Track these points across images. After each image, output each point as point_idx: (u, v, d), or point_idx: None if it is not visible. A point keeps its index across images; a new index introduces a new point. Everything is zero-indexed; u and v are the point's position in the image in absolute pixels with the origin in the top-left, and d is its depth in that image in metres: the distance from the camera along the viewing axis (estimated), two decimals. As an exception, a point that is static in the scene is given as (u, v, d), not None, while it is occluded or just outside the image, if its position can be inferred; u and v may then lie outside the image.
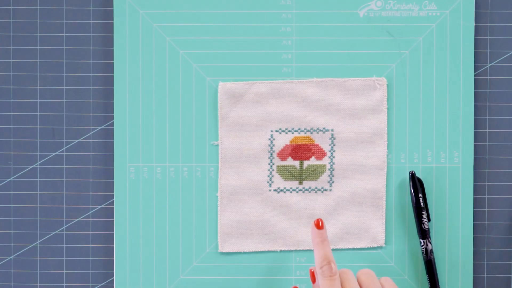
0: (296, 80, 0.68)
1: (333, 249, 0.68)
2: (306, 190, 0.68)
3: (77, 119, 0.69)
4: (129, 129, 0.68)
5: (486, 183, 0.69)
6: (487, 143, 0.69)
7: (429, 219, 0.67)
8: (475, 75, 0.69)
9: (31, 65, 0.69)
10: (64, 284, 0.69)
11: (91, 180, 0.69)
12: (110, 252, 0.69)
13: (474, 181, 0.68)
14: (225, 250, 0.68)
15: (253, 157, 0.68)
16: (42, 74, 0.69)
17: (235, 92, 0.68)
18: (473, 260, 0.69)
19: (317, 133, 0.68)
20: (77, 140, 0.69)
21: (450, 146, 0.68)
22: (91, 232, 0.69)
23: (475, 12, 0.68)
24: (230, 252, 0.68)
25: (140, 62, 0.68)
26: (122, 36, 0.68)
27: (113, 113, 0.69)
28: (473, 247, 0.68)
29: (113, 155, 0.69)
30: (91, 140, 0.69)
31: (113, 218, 0.69)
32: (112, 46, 0.69)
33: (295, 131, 0.68)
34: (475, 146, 0.69)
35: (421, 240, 0.67)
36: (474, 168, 0.68)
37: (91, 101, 0.69)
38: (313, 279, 0.62)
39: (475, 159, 0.69)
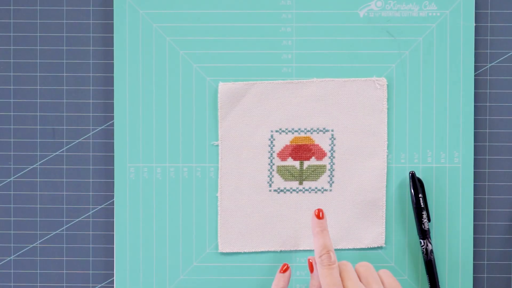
0: (296, 80, 0.68)
1: (333, 249, 0.68)
2: (306, 190, 0.68)
3: (77, 119, 0.69)
4: (129, 129, 0.68)
5: (486, 183, 0.69)
6: (487, 143, 0.69)
7: (429, 219, 0.67)
8: (475, 75, 0.69)
9: (31, 65, 0.69)
10: (64, 284, 0.69)
11: (91, 180, 0.69)
12: (110, 252, 0.69)
13: (474, 181, 0.68)
14: (225, 250, 0.68)
15: (253, 157, 0.68)
16: (42, 74, 0.69)
17: (235, 92, 0.68)
18: (473, 260, 0.69)
19: (317, 133, 0.68)
20: (77, 140, 0.69)
21: (450, 146, 0.68)
22: (91, 233, 0.69)
23: (475, 12, 0.68)
24: (230, 252, 0.69)
25: (140, 62, 0.68)
26: (122, 36, 0.68)
27: (113, 113, 0.69)
28: (473, 247, 0.68)
29: (113, 155, 0.69)
30: (91, 140, 0.69)
31: (113, 218, 0.69)
32: (112, 46, 0.69)
33: (295, 131, 0.68)
34: (475, 146, 0.69)
35: (421, 240, 0.67)
36: (474, 168, 0.68)
37: (91, 101, 0.69)
38: (311, 269, 0.63)
39: (475, 159, 0.69)
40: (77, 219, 0.69)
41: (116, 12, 0.68)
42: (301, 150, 0.68)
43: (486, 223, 0.69)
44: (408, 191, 0.68)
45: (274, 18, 0.68)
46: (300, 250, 0.69)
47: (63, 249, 0.69)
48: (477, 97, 0.69)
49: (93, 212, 0.69)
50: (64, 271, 0.70)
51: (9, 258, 0.70)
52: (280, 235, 0.68)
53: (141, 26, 0.68)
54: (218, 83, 0.68)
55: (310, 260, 0.64)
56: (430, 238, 0.67)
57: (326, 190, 0.68)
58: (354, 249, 0.68)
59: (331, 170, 0.68)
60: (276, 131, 0.68)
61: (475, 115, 0.69)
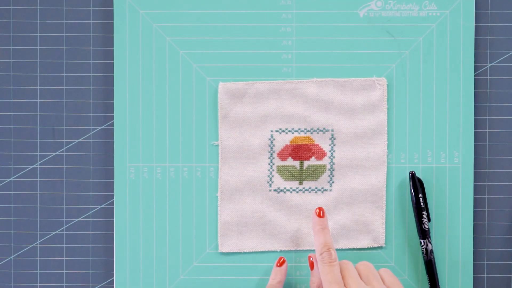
0: (296, 80, 0.68)
1: (333, 249, 0.68)
2: (306, 190, 0.68)
3: (77, 119, 0.69)
4: (129, 129, 0.68)
5: (486, 183, 0.69)
6: (487, 143, 0.69)
7: (429, 219, 0.67)
8: (475, 75, 0.69)
9: (31, 65, 0.69)
10: (64, 284, 0.69)
11: (91, 180, 0.69)
12: (110, 252, 0.69)
13: (474, 181, 0.68)
14: (225, 250, 0.68)
15: (253, 157, 0.68)
16: (42, 74, 0.69)
17: (235, 92, 0.68)
18: (473, 260, 0.69)
19: (317, 133, 0.68)
20: (77, 140, 0.69)
21: (450, 146, 0.68)
22: (91, 232, 0.69)
23: (475, 12, 0.68)
24: (230, 252, 0.68)
25: (140, 62, 0.68)
26: (122, 36, 0.68)
27: (113, 113, 0.69)
28: (473, 247, 0.68)
29: (113, 155, 0.69)
30: (91, 140, 0.69)
31: (113, 218, 0.69)
32: (112, 46, 0.69)
33: (295, 131, 0.68)
34: (475, 146, 0.69)
35: (421, 240, 0.67)
36: (474, 168, 0.68)
37: (91, 101, 0.69)
38: (312, 266, 0.64)
39: (475, 159, 0.69)
40: (77, 219, 0.69)
41: (116, 12, 0.68)
42: (301, 150, 0.68)
43: (486, 223, 0.69)
44: (408, 191, 0.68)
45: (274, 18, 0.68)
46: (300, 250, 0.69)
47: (63, 249, 0.69)
48: (477, 97, 0.69)
49: (93, 212, 0.69)
50: (64, 271, 0.69)
51: (9, 258, 0.70)
52: (280, 235, 0.68)
53: (141, 26, 0.68)
54: (218, 83, 0.68)
55: (311, 258, 0.64)
56: (430, 238, 0.67)
57: (326, 190, 0.68)
58: (354, 249, 0.68)
59: (331, 170, 0.68)
60: (276, 131, 0.68)
61: (475, 115, 0.69)
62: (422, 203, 0.67)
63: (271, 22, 0.68)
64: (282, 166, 0.68)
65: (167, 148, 0.68)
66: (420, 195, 0.67)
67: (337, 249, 0.68)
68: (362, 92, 0.68)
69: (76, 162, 0.69)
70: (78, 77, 0.69)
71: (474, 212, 0.69)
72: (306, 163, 0.68)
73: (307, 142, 0.68)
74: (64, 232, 0.69)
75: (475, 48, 0.68)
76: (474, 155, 0.69)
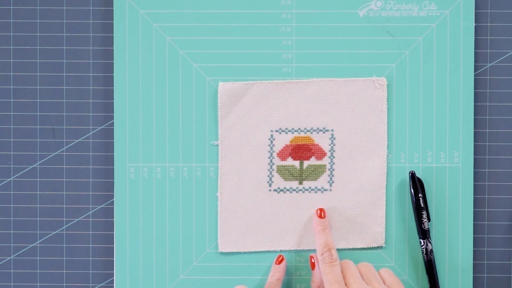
0: (296, 80, 0.68)
1: (333, 249, 0.68)
2: (306, 190, 0.68)
3: (77, 119, 0.69)
4: (129, 129, 0.68)
5: (486, 183, 0.69)
6: (487, 143, 0.69)
7: (429, 219, 0.67)
8: (475, 75, 0.69)
9: (31, 65, 0.69)
10: (64, 284, 0.69)
11: (91, 180, 0.69)
12: (110, 252, 0.69)
13: (474, 181, 0.68)
14: (225, 250, 0.68)
15: (253, 157, 0.68)
16: (42, 74, 0.69)
17: (235, 92, 0.68)
18: (473, 260, 0.69)
19: (317, 133, 0.68)
20: (77, 140, 0.69)
21: (450, 146, 0.68)
22: (91, 232, 0.69)
23: (475, 12, 0.68)
24: (230, 252, 0.68)
25: (140, 62, 0.68)
26: (122, 36, 0.68)
27: (113, 113, 0.69)
28: (473, 247, 0.68)
29: (113, 155, 0.69)
30: (91, 140, 0.69)
31: (113, 218, 0.69)
32: (112, 46, 0.69)
33: (295, 131, 0.68)
34: (475, 146, 0.69)
35: (421, 240, 0.67)
36: (474, 168, 0.68)
37: (91, 101, 0.69)
38: (312, 266, 0.65)
39: (475, 159, 0.69)
40: (77, 219, 0.69)
41: (116, 12, 0.68)
42: (301, 149, 0.68)
43: (486, 223, 0.69)
44: (408, 191, 0.68)
45: (274, 18, 0.68)
46: (300, 250, 0.69)
47: (63, 249, 0.69)
48: (477, 97, 0.69)
49: (93, 212, 0.69)
50: (64, 271, 0.69)
51: (9, 258, 0.70)
52: (280, 235, 0.68)
53: (141, 26, 0.68)
54: (218, 83, 0.68)
55: (312, 259, 0.65)
56: (430, 238, 0.67)
57: (326, 190, 0.68)
58: (354, 249, 0.68)
59: (331, 170, 0.68)
60: (276, 131, 0.68)
61: (475, 115, 0.69)
62: (422, 203, 0.67)
63: (271, 22, 0.68)
64: (282, 166, 0.68)
65: (167, 148, 0.68)
66: (420, 195, 0.67)
67: (337, 249, 0.68)
68: (362, 92, 0.68)
69: (76, 162, 0.69)
70: (78, 77, 0.69)
71: (474, 212, 0.69)
72: (306, 163, 0.68)
73: (307, 142, 0.68)
74: (64, 232, 0.69)
75: (475, 48, 0.68)
76: (474, 155, 0.69)
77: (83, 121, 0.69)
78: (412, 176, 0.67)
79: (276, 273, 0.66)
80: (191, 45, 0.68)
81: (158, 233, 0.68)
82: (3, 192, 0.69)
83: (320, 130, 0.68)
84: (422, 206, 0.67)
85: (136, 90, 0.68)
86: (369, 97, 0.68)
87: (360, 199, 0.68)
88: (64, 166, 0.69)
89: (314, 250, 0.68)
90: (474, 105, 0.69)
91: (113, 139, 0.69)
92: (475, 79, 0.69)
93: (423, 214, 0.67)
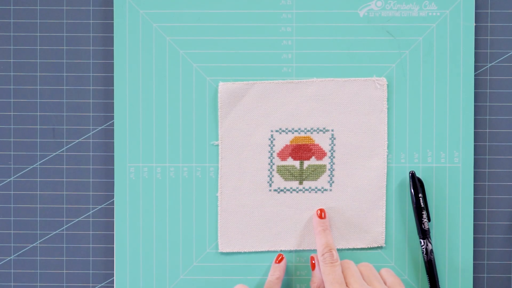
0: (296, 80, 0.68)
1: (333, 249, 0.68)
2: (306, 190, 0.68)
3: (77, 119, 0.69)
4: (129, 129, 0.68)
5: (486, 183, 0.69)
6: (487, 143, 0.69)
7: (429, 219, 0.67)
8: (475, 75, 0.69)
9: (31, 65, 0.69)
10: (64, 284, 0.69)
11: (91, 180, 0.69)
12: (110, 252, 0.69)
13: (474, 181, 0.68)
14: (225, 250, 0.68)
15: (253, 157, 0.68)
16: (42, 74, 0.69)
17: (235, 92, 0.68)
18: (473, 260, 0.69)
19: (317, 133, 0.68)
20: (77, 140, 0.69)
21: (450, 146, 0.68)
22: (91, 232, 0.69)
23: (475, 12, 0.68)
24: (230, 252, 0.68)
25: (140, 62, 0.68)
26: (122, 36, 0.68)
27: (113, 113, 0.69)
28: (473, 247, 0.68)
29: (113, 155, 0.69)
30: (91, 140, 0.69)
31: (113, 218, 0.69)
32: (112, 46, 0.69)
33: (295, 131, 0.68)
34: (475, 146, 0.69)
35: (421, 240, 0.67)
36: (474, 168, 0.68)
37: (91, 101, 0.69)
38: (313, 267, 0.65)
39: (475, 159, 0.69)
40: (77, 219, 0.69)
41: (116, 12, 0.68)
42: (301, 150, 0.68)
43: (486, 223, 0.69)
44: (408, 191, 0.68)
45: (274, 18, 0.68)
46: (300, 250, 0.69)
47: (63, 249, 0.69)
48: (477, 97, 0.69)
49: (93, 212, 0.69)
50: (64, 271, 0.69)
51: (9, 258, 0.70)
52: (280, 235, 0.68)
53: (141, 26, 0.68)
54: (218, 83, 0.68)
55: (313, 260, 0.65)
56: (430, 238, 0.67)
57: (326, 190, 0.68)
58: (354, 249, 0.68)
59: (331, 170, 0.68)
60: (276, 131, 0.68)
61: (475, 115, 0.69)
62: (422, 203, 0.67)
63: (271, 22, 0.68)
64: (282, 166, 0.68)
65: (167, 148, 0.68)
66: (420, 195, 0.67)
67: (337, 249, 0.68)
68: (362, 92, 0.68)
69: (76, 162, 0.69)
70: (78, 77, 0.69)
71: (474, 212, 0.69)
72: (306, 163, 0.68)
73: (307, 142, 0.68)
74: (64, 232, 0.69)
75: (475, 48, 0.68)
76: (474, 155, 0.69)
77: (83, 121, 0.69)
78: (412, 176, 0.67)
79: (276, 272, 0.66)
80: (191, 45, 0.68)
81: (158, 233, 0.68)
82: (3, 192, 0.69)
83: (320, 130, 0.68)
84: (422, 206, 0.67)
85: (136, 90, 0.68)
86: (369, 97, 0.68)
87: (360, 199, 0.68)
88: (64, 166, 0.69)
89: (314, 250, 0.68)
90: (474, 105, 0.69)
91: (113, 139, 0.69)
92: (475, 79, 0.69)
93: (423, 214, 0.67)
